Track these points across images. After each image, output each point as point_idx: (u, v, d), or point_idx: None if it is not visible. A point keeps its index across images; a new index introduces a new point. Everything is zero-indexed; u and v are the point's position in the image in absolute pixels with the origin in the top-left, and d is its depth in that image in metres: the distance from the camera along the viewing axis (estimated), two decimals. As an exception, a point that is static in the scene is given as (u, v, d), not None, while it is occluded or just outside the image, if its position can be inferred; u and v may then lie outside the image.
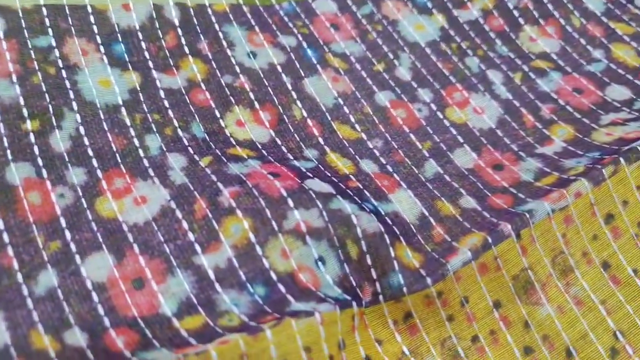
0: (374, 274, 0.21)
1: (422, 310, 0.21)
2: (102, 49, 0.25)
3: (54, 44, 0.25)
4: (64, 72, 0.24)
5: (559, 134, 0.26)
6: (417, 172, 0.25)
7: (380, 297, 0.21)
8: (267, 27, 0.28)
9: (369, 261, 0.21)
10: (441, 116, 0.27)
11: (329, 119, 0.26)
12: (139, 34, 0.26)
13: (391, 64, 0.28)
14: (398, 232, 0.23)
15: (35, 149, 0.22)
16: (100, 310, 0.19)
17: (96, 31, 0.25)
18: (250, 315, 0.19)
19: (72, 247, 0.20)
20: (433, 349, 0.21)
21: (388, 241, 0.22)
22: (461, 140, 0.26)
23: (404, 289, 0.21)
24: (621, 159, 0.24)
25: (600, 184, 0.23)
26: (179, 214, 0.22)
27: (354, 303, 0.20)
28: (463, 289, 0.22)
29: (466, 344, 0.21)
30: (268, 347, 0.18)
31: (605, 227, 0.23)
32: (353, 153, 0.25)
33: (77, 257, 0.20)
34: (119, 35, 0.26)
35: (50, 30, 0.25)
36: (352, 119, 0.26)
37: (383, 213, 0.23)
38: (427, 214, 0.24)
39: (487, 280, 0.22)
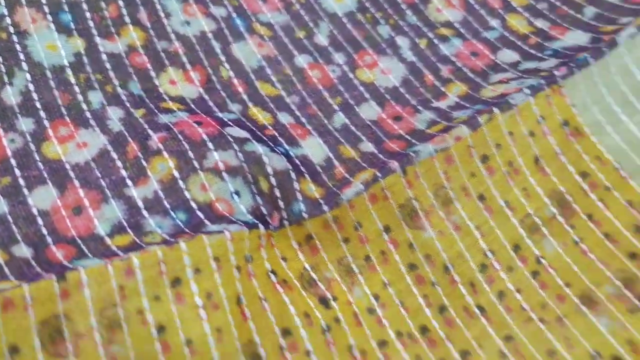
0: (281, 204, 0.25)
1: (321, 234, 0.25)
2: (49, 17, 0.29)
3: (6, 13, 0.28)
4: (15, 37, 0.28)
5: (453, 91, 0.30)
6: (326, 122, 0.29)
7: (286, 222, 0.25)
8: (201, 0, 0.32)
9: (277, 194, 0.25)
10: (352, 76, 0.31)
11: (253, 78, 0.30)
12: (84, 5, 0.30)
13: (311, 31, 0.32)
14: (304, 171, 0.26)
15: None
16: (44, 231, 0.23)
17: (44, 2, 0.29)
18: (171, 235, 0.23)
19: (21, 182, 0.24)
20: (331, 265, 0.25)
21: (294, 177, 0.26)
22: (367, 97, 0.30)
23: (305, 215, 0.25)
24: (495, 109, 0.28)
25: (476, 129, 0.27)
26: (114, 155, 0.25)
27: (261, 225, 0.24)
28: (356, 215, 0.25)
29: (360, 262, 0.25)
30: (182, 256, 0.22)
31: (481, 165, 0.27)
32: (272, 107, 0.29)
33: (25, 190, 0.24)
34: (65, 6, 0.29)
35: (2, 1, 0.28)
36: (274, 79, 0.30)
37: (293, 156, 0.27)
38: (331, 157, 0.28)
39: (377, 208, 0.26)
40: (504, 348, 0.24)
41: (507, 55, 0.32)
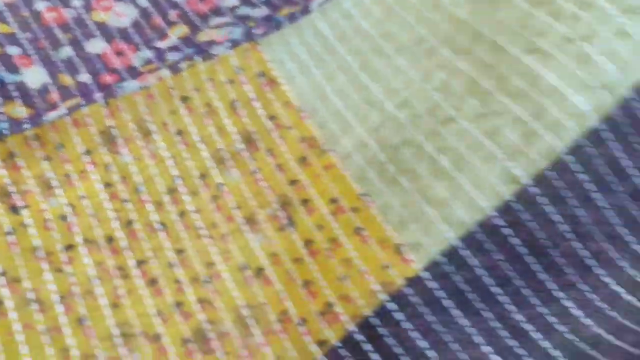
0: None
1: (24, 151, 0.29)
2: None
3: None
4: None
5: (175, 32, 0.35)
6: (52, 54, 0.32)
7: None
8: None
9: None
10: (85, 17, 0.34)
11: None
12: None
13: None
14: (16, 95, 0.30)
15: None
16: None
17: None
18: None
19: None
20: (30, 180, 0.29)
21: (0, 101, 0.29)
22: (97, 34, 0.34)
23: (6, 132, 0.28)
24: (196, 57, 0.32)
25: (177, 73, 0.32)
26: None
27: None
28: (59, 137, 0.29)
29: (60, 178, 0.29)
30: None
31: (181, 105, 0.32)
32: (3, 42, 0.32)
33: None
34: None
35: None
36: (10, 20, 0.33)
37: (6, 81, 0.30)
38: (49, 83, 0.31)
39: (78, 132, 0.30)
40: (175, 259, 0.29)
41: (229, 1, 0.36)
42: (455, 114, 0.30)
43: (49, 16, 0.34)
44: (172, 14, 0.35)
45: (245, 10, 0.36)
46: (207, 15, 0.36)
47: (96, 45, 0.33)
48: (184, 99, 0.32)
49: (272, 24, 0.34)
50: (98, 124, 0.30)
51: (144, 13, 0.35)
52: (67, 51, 0.33)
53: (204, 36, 0.34)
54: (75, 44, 0.33)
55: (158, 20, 0.35)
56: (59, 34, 0.33)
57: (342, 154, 0.31)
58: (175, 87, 0.32)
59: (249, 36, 0.34)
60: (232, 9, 0.36)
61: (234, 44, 0.33)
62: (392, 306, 0.26)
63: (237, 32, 0.34)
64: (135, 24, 0.35)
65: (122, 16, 0.35)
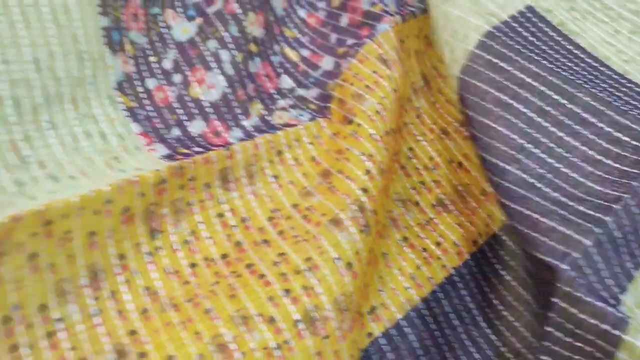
0: None
1: (170, 180, 0.36)
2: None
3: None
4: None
5: (254, 110, 0.42)
6: (164, 132, 0.39)
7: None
8: None
9: None
10: (184, 93, 0.41)
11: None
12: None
13: (160, 57, 0.42)
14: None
15: None
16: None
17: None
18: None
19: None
20: (167, 204, 0.36)
21: None
22: (195, 113, 0.40)
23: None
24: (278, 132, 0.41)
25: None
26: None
27: None
28: (195, 171, 0.36)
29: (186, 207, 0.36)
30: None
31: (277, 157, 0.39)
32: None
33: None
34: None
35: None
36: (130, 94, 0.41)
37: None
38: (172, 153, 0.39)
39: (206, 169, 0.37)
40: (278, 259, 0.33)
41: (285, 82, 0.44)
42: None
43: (157, 96, 0.40)
44: (250, 88, 0.42)
45: (300, 92, 0.43)
46: (273, 94, 0.43)
47: (197, 126, 0.40)
48: (279, 153, 0.40)
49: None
50: (220, 164, 0.37)
51: (230, 82, 0.42)
52: (176, 132, 0.39)
53: (278, 119, 0.42)
54: (180, 125, 0.40)
55: (241, 93, 0.42)
56: (167, 114, 0.40)
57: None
58: (274, 141, 0.40)
59: (316, 118, 0.42)
60: (291, 90, 0.44)
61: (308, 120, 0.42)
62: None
63: (306, 117, 0.42)
64: (224, 97, 0.41)
65: (212, 88, 0.42)
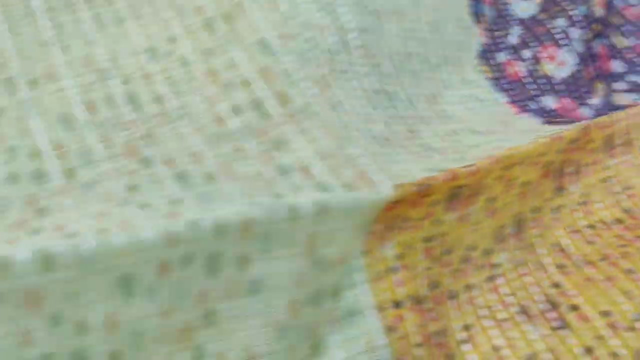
0: None
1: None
2: None
3: None
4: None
5: (599, 91, 0.41)
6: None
7: None
8: None
9: None
10: (534, 69, 0.42)
11: None
12: None
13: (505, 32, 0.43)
14: None
15: None
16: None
17: None
18: None
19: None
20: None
21: None
22: (546, 90, 0.41)
23: None
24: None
25: None
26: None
27: None
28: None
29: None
30: None
31: None
32: None
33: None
34: None
35: None
36: None
37: None
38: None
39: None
40: None
41: (618, 65, 0.43)
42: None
43: (508, 70, 0.42)
44: (594, 67, 0.42)
45: (633, 78, 0.42)
46: (609, 76, 0.42)
47: (549, 100, 0.40)
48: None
49: None
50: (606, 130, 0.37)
51: (581, 60, 0.42)
52: (533, 105, 0.40)
53: (618, 101, 0.41)
54: (533, 99, 0.40)
55: (588, 71, 0.42)
56: (521, 87, 0.41)
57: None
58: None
59: None
60: (622, 74, 0.42)
61: None
62: None
63: None
64: (573, 75, 0.41)
65: (562, 65, 0.42)
